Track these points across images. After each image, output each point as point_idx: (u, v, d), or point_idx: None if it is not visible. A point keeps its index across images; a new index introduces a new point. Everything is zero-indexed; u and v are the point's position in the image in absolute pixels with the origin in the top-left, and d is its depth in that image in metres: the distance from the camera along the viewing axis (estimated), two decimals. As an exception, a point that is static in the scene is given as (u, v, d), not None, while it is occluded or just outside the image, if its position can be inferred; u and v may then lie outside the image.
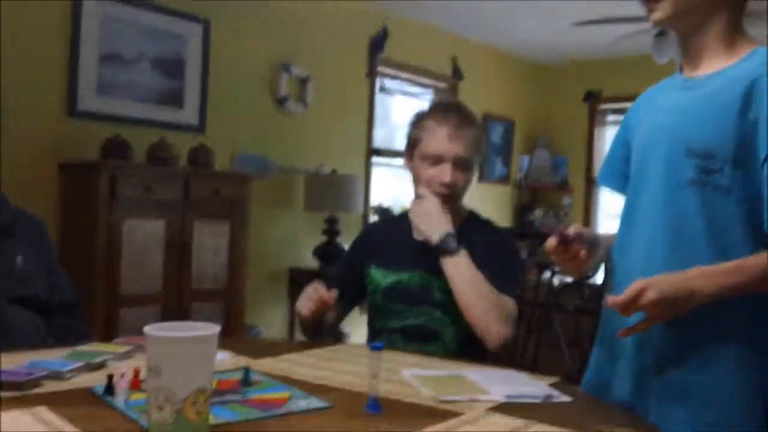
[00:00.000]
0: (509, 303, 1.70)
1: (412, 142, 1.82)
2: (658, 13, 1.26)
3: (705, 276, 1.14)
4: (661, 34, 4.14)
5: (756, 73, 1.16)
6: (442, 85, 5.73)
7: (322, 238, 4.46)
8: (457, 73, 5.78)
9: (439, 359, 1.54)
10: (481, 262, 1.70)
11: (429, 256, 1.73)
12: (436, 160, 1.75)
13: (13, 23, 3.26)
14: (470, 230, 1.81)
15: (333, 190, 4.42)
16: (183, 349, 0.90)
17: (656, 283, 1.13)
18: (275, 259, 4.46)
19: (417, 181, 1.81)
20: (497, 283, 1.69)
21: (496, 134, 6.33)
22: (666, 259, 1.22)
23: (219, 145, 3.99)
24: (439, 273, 1.71)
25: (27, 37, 3.33)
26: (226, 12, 4.16)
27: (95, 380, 1.20)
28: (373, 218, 4.99)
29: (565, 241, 1.28)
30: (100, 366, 1.30)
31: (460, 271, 1.67)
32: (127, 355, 1.40)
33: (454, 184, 1.76)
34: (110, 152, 3.41)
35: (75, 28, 3.50)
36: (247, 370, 1.25)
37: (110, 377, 1.13)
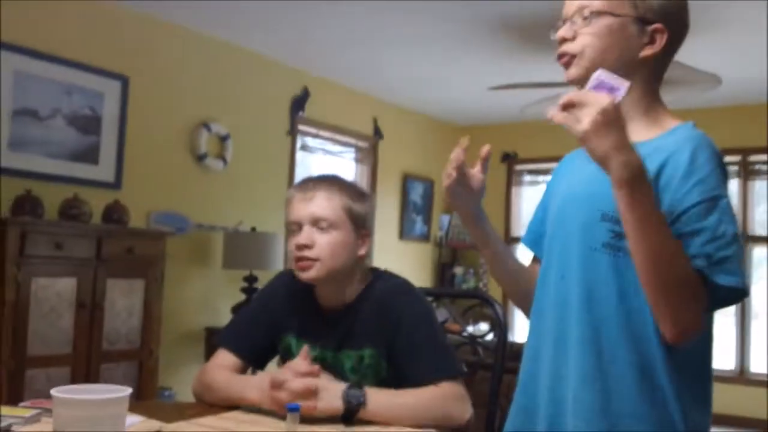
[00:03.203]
0: (451, 389, 1.54)
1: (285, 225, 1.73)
2: (573, 71, 1.30)
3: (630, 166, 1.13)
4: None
5: (675, 147, 1.21)
6: (363, 144, 5.84)
7: (241, 296, 4.41)
8: (377, 133, 5.90)
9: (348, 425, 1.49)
10: (401, 346, 1.57)
11: (336, 330, 1.63)
12: (294, 226, 1.63)
13: None
14: (371, 303, 1.65)
15: (252, 248, 4.40)
16: (91, 412, 0.89)
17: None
18: (191, 319, 4.37)
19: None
20: (427, 371, 1.55)
21: (416, 193, 6.46)
22: (580, 320, 1.26)
23: (135, 202, 3.93)
24: (348, 351, 1.61)
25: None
26: (145, 69, 4.15)
27: (-4, 448, 1.16)
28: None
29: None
30: (6, 431, 1.25)
31: (380, 412, 1.47)
32: (34, 419, 1.35)
33: (310, 244, 1.59)
34: (20, 209, 3.31)
35: (-13, 82, 3.43)
36: (158, 435, 1.22)
37: (12, 444, 1.09)
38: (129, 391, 0.93)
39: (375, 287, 1.68)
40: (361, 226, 1.67)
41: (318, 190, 1.63)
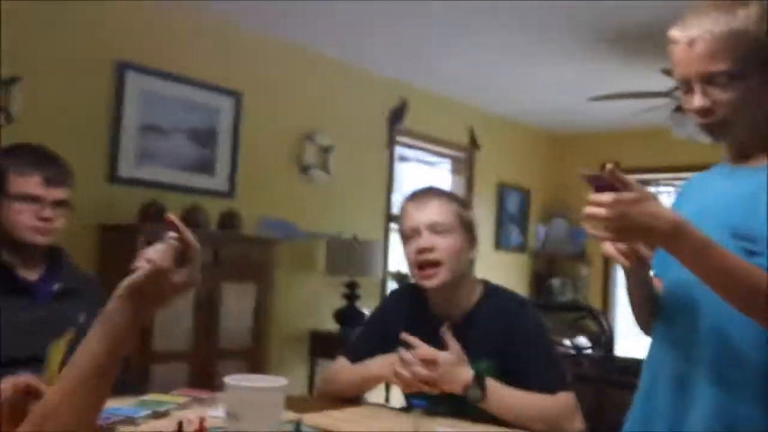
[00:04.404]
0: (566, 399, 1.61)
1: (400, 234, 1.83)
2: (721, 137, 1.31)
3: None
4: (678, 109, 4.18)
5: None
6: (459, 154, 5.95)
7: (342, 302, 4.60)
8: (473, 143, 6.00)
9: (472, 422, 1.60)
10: (518, 358, 1.64)
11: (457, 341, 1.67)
12: (413, 231, 1.74)
13: (60, 94, 3.50)
14: (487, 317, 1.73)
15: (353, 255, 4.58)
16: (259, 398, 1.04)
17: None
18: (297, 322, 4.60)
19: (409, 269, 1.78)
20: (544, 382, 1.62)
21: (512, 203, 6.49)
22: (709, 348, 1.26)
23: (247, 210, 4.18)
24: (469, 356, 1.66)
25: (74, 107, 3.57)
26: (256, 85, 4.41)
27: (161, 426, 1.34)
28: (392, 284, 5.13)
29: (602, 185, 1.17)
30: (165, 414, 1.44)
31: (497, 407, 1.59)
32: (186, 405, 1.54)
33: (432, 248, 1.70)
34: (147, 216, 3.61)
35: (118, 100, 3.75)
36: (298, 424, 1.38)
37: (180, 424, 1.27)
38: (286, 382, 1.08)
39: (489, 301, 1.77)
40: (470, 231, 1.79)
41: (432, 198, 1.76)
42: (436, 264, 1.71)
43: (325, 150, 4.82)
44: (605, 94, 4.57)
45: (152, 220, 3.58)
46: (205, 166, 4.16)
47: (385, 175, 5.31)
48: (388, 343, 1.76)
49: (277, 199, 4.54)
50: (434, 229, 1.73)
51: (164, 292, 1.04)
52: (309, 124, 4.74)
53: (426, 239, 1.72)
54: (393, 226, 5.34)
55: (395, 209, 5.37)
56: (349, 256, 4.58)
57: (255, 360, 3.86)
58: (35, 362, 1.53)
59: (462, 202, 1.84)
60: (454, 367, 1.60)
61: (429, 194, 1.79)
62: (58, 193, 1.86)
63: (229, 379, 1.06)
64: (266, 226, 4.42)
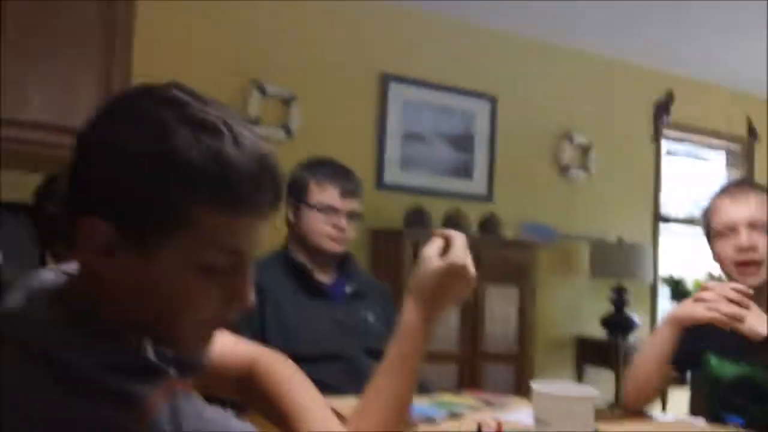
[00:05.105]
0: None
1: (706, 227, 1.76)
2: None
3: None
4: None
5: None
6: (734, 147, 5.40)
7: (609, 308, 4.37)
8: (752, 134, 5.41)
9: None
10: None
11: (759, 349, 1.57)
12: (728, 229, 1.66)
13: (331, 109, 3.75)
14: None
15: (619, 258, 4.34)
16: (568, 406, 0.98)
17: None
18: (561, 327, 4.46)
19: (721, 267, 1.73)
20: None
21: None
22: None
23: (505, 213, 4.15)
24: None
25: (343, 119, 3.80)
26: (510, 87, 4.37)
27: (459, 427, 1.34)
28: (665, 290, 4.80)
29: None
30: (459, 415, 1.44)
31: None
32: (476, 408, 1.53)
33: (754, 247, 1.62)
34: (412, 220, 3.72)
35: (382, 110, 3.93)
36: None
37: (479, 426, 1.25)
38: (596, 392, 1.01)
39: None
40: None
41: (750, 194, 1.66)
42: (757, 263, 1.63)
43: (585, 149, 4.63)
44: None
45: (417, 225, 3.69)
46: (464, 171, 4.21)
47: (651, 172, 4.97)
48: (698, 345, 1.70)
49: (536, 201, 4.45)
50: (753, 225, 1.64)
51: (452, 288, 1.05)
52: (566, 123, 4.59)
53: (746, 237, 1.63)
54: (663, 227, 4.99)
55: (664, 209, 5.01)
56: (615, 260, 4.35)
57: (520, 364, 3.81)
58: (335, 359, 1.63)
59: None
60: (756, 311, 1.53)
61: (745, 189, 1.70)
62: (352, 205, 2.00)
63: (538, 387, 1.01)
64: (526, 229, 4.35)
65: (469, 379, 3.51)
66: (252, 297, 0.79)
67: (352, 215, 2.00)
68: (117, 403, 0.68)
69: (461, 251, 1.07)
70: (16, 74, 2.62)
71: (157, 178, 0.71)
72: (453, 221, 3.80)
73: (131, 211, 0.73)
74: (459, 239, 1.09)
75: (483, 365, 3.67)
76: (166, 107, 0.74)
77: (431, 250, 1.07)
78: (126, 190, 0.72)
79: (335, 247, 1.97)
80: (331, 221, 1.95)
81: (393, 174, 3.94)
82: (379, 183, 3.88)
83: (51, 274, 0.82)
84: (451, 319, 3.59)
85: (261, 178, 0.75)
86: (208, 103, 0.77)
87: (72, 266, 0.82)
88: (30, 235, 2.74)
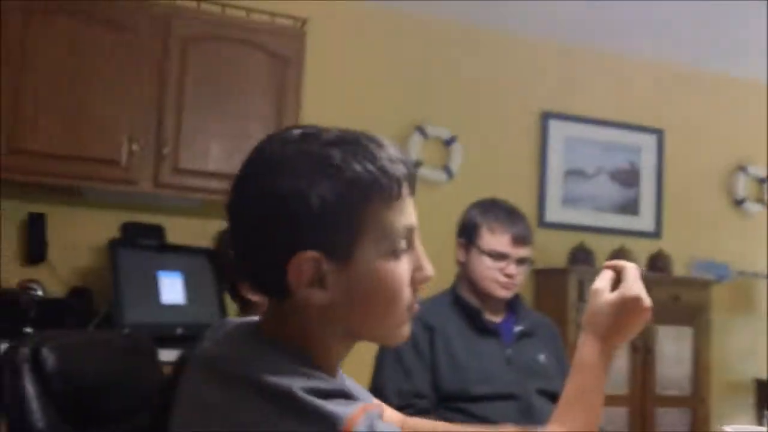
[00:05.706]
0: None
1: None
2: None
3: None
4: None
5: None
6: None
7: (796, 349, 4.07)
8: None
9: None
10: None
11: None
12: None
13: (491, 148, 3.82)
14: None
15: (804, 297, 4.04)
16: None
17: None
18: (739, 369, 4.20)
19: None
20: None
21: None
22: None
23: (676, 250, 4.00)
24: None
25: (503, 158, 3.86)
26: (678, 119, 4.23)
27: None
28: None
29: None
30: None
31: None
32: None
33: None
34: (576, 259, 3.69)
35: (542, 148, 3.94)
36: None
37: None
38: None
39: None
40: None
41: None
42: None
43: (761, 181, 4.38)
44: None
45: (581, 263, 3.65)
46: (630, 207, 4.11)
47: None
48: None
49: (708, 237, 4.26)
50: None
51: (627, 321, 1.04)
52: (740, 155, 4.37)
53: None
54: None
55: None
56: (798, 298, 4.05)
57: (695, 408, 3.63)
58: (508, 399, 1.67)
59: None
60: None
61: None
62: (523, 252, 1.98)
63: (730, 429, 1.02)
64: (699, 266, 4.16)
65: (640, 422, 3.40)
66: (430, 266, 0.90)
67: (522, 261, 1.99)
68: (320, 422, 0.77)
69: (634, 282, 1.05)
70: (194, 129, 2.94)
71: (342, 196, 0.83)
72: (619, 258, 3.72)
73: (327, 234, 0.84)
74: (631, 270, 1.07)
75: (654, 408, 3.54)
76: (311, 142, 0.86)
77: (602, 282, 1.07)
78: (317, 218, 0.83)
79: (504, 294, 1.99)
80: (501, 267, 1.95)
81: (555, 212, 3.93)
82: (541, 221, 3.88)
83: (237, 320, 0.96)
84: (620, 361, 3.50)
85: (405, 166, 0.87)
86: (331, 129, 0.89)
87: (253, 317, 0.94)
88: (212, 276, 3.01)
